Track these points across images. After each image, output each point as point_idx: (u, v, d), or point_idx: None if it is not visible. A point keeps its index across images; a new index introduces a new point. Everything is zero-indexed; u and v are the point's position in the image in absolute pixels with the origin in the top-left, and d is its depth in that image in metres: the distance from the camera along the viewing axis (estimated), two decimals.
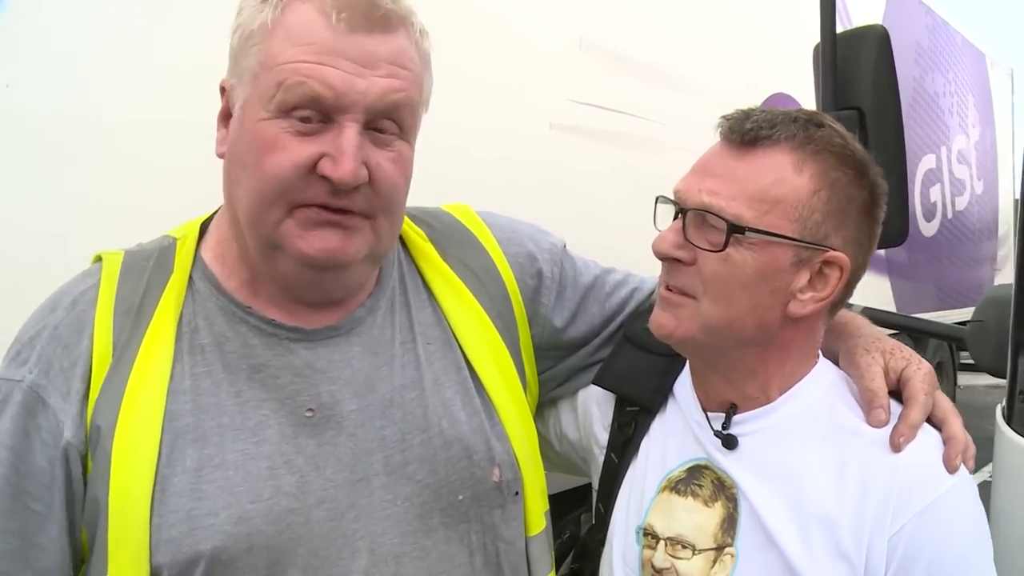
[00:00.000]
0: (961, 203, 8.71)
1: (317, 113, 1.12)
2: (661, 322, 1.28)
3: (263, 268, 1.22)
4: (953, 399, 8.58)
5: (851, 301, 2.09)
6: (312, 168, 1.12)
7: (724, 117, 1.26)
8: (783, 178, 1.21)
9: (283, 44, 1.12)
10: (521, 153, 4.16)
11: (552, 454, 1.57)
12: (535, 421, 1.49)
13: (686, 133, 4.61)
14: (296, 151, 1.12)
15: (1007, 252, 10.01)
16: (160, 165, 2.62)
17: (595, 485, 1.50)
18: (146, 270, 1.24)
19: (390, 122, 1.16)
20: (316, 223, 1.15)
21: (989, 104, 9.62)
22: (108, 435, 1.14)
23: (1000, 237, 9.73)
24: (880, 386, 1.27)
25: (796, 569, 1.20)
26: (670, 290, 1.27)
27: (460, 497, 1.26)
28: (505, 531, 1.31)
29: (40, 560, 1.15)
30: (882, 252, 7.91)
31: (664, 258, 1.27)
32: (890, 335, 1.44)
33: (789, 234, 1.21)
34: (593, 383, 1.48)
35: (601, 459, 1.47)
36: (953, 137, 8.54)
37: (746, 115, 1.24)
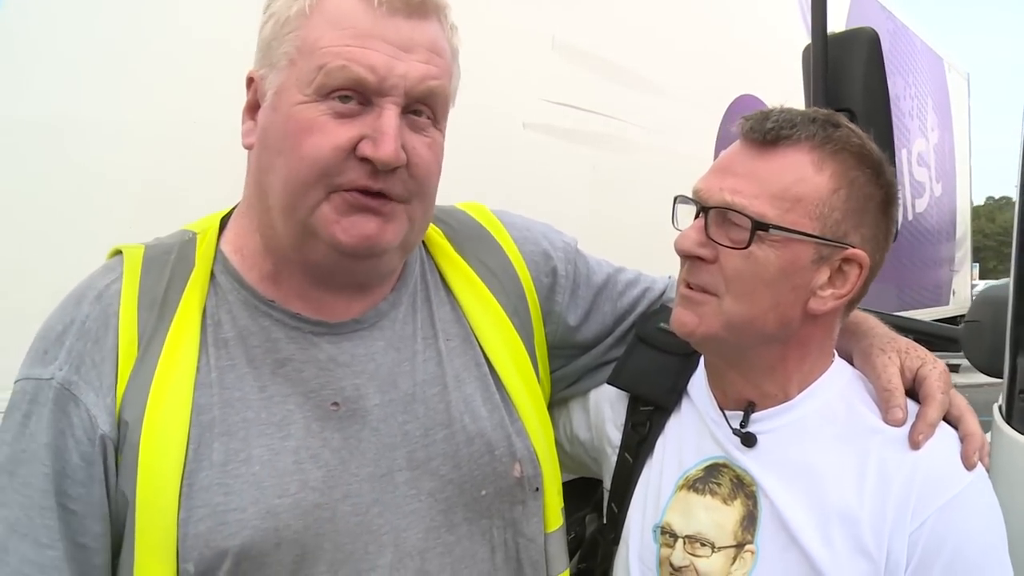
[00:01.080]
0: (921, 205, 8.87)
1: (357, 95, 1.12)
2: (683, 320, 1.28)
3: (293, 257, 1.20)
4: None
5: None
6: (351, 150, 1.12)
7: (744, 117, 1.27)
8: (804, 177, 1.22)
9: (323, 29, 1.12)
10: (494, 152, 4.16)
11: (562, 455, 1.56)
12: None
13: (655, 133, 4.67)
14: (335, 133, 1.12)
15: (964, 254, 10.20)
16: (168, 166, 2.58)
17: (607, 485, 1.49)
18: (168, 264, 1.22)
19: (425, 107, 1.17)
20: (353, 208, 1.14)
21: (947, 108, 9.81)
22: (136, 429, 1.12)
23: (957, 239, 9.92)
24: (897, 385, 1.28)
25: (817, 566, 1.21)
26: (691, 288, 1.27)
27: (483, 492, 1.26)
28: (526, 527, 1.31)
29: (89, 559, 1.13)
30: None
31: (687, 256, 1.27)
32: None
33: (810, 231, 1.22)
34: (608, 383, 1.48)
35: (614, 459, 1.46)
36: (913, 140, 8.69)
37: (766, 115, 1.25)
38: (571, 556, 1.63)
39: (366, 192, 1.14)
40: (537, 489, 1.32)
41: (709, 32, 5.76)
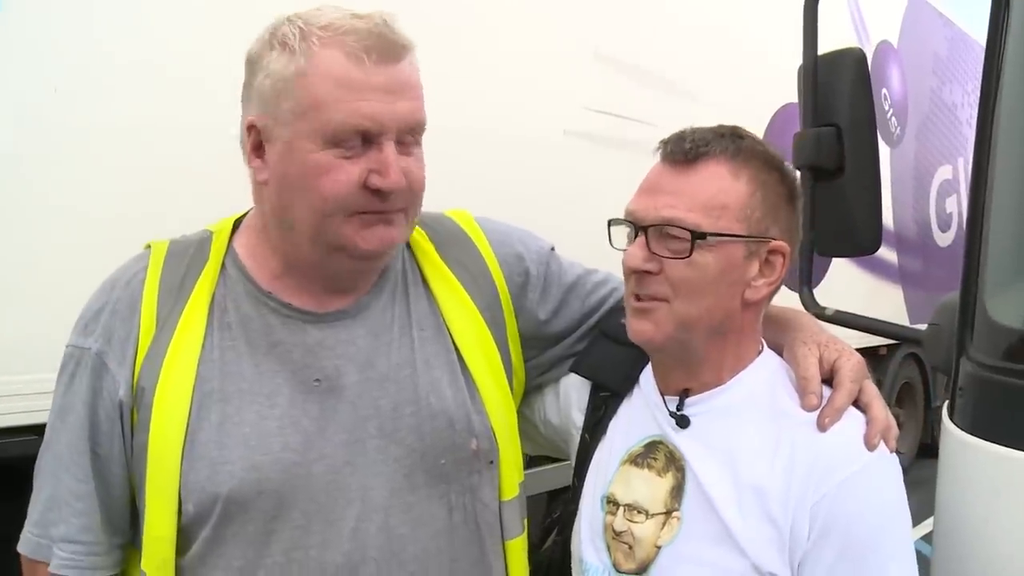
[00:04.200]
0: None
1: (360, 138, 1.34)
2: (641, 329, 1.43)
3: (311, 268, 1.44)
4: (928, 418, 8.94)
5: (824, 305, 2.25)
6: (362, 183, 1.34)
7: (663, 141, 1.44)
8: (725, 186, 1.40)
9: (323, 86, 1.32)
10: (536, 158, 4.32)
11: (539, 437, 1.76)
12: (523, 408, 1.69)
13: None
14: (348, 172, 1.34)
15: None
16: (167, 165, 2.76)
17: (572, 463, 1.67)
18: (186, 256, 1.47)
19: (410, 135, 1.39)
20: (368, 223, 1.37)
21: None
22: (150, 394, 1.38)
23: None
24: (814, 374, 1.44)
25: (731, 531, 1.37)
26: (641, 300, 1.43)
27: (442, 461, 1.46)
28: (481, 494, 1.52)
29: (111, 487, 1.42)
30: (895, 261, 8.00)
31: (635, 272, 1.42)
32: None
33: (740, 233, 1.39)
34: (570, 370, 1.67)
35: (577, 439, 1.65)
36: (971, 148, 8.55)
37: (682, 137, 1.43)
38: (553, 528, 1.81)
39: (377, 212, 1.37)
40: (491, 462, 1.53)
41: (754, 41, 5.81)
